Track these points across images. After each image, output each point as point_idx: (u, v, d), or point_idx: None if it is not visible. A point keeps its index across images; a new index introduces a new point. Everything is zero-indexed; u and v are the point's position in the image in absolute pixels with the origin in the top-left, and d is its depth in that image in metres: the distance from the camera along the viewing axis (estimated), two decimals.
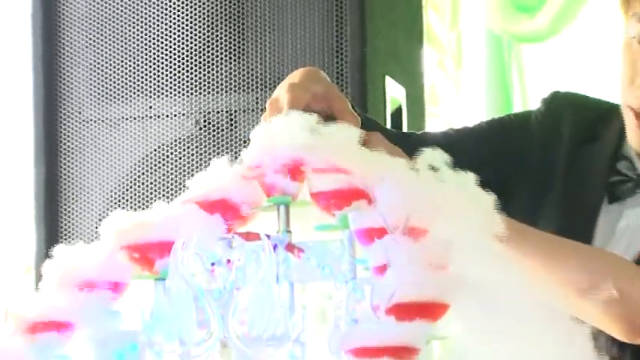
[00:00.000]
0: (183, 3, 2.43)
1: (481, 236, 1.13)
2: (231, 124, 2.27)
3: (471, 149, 1.67)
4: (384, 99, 2.52)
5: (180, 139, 2.42)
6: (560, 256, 1.41)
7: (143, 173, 2.41)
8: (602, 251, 1.55)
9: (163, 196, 2.28)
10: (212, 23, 2.46)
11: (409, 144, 1.45)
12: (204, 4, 2.45)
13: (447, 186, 1.16)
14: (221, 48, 2.43)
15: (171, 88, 2.43)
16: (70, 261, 1.18)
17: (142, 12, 2.48)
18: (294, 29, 2.43)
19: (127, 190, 2.43)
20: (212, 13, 2.46)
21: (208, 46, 2.44)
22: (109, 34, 2.52)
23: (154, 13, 2.47)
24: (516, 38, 3.75)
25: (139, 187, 2.45)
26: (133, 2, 2.49)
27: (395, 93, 2.58)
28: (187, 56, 2.44)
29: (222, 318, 1.12)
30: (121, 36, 2.49)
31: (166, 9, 2.45)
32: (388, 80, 2.53)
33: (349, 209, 1.15)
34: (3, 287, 2.92)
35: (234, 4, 2.44)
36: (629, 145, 1.62)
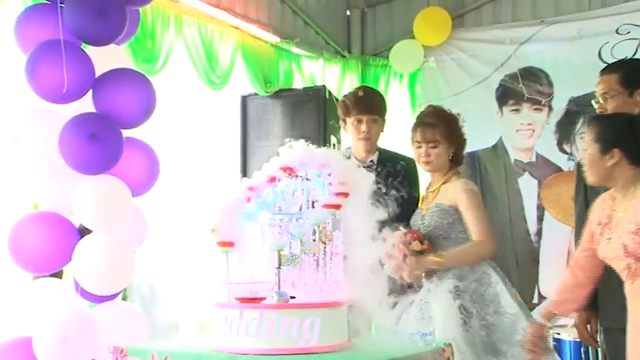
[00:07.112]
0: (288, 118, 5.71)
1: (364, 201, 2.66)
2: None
3: None
4: (331, 142, 5.62)
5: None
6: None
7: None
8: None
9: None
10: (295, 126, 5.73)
11: None
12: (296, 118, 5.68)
13: (358, 170, 2.76)
14: (295, 130, 5.59)
15: (278, 139, 5.14)
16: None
17: (273, 113, 5.79)
18: (305, 124, 5.68)
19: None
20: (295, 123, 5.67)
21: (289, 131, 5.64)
22: (264, 121, 5.85)
23: (271, 113, 5.81)
24: None
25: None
26: (271, 106, 5.72)
27: (334, 140, 5.70)
28: (284, 130, 5.83)
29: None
30: (268, 121, 5.86)
31: (285, 113, 5.72)
32: (332, 137, 5.69)
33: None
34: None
35: (299, 120, 5.70)
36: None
